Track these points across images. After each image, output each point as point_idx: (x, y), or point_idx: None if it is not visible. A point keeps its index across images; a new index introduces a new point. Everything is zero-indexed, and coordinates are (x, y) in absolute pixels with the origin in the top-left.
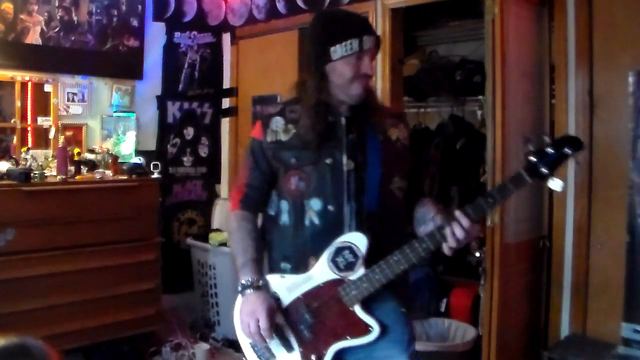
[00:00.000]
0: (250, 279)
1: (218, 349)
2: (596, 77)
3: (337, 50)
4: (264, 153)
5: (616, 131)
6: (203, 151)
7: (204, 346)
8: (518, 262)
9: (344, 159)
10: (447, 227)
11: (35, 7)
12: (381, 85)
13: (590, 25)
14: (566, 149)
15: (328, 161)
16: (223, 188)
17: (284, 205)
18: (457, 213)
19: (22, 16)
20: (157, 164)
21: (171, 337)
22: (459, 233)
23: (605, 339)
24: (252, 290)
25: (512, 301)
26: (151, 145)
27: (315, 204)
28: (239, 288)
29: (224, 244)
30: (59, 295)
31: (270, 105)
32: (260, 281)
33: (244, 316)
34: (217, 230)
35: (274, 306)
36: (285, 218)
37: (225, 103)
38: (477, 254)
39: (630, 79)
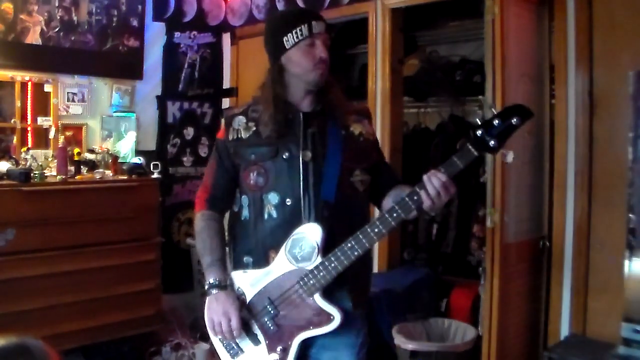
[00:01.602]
0: (217, 279)
1: None
2: (596, 77)
3: (289, 39)
4: (227, 151)
5: (616, 131)
6: (203, 151)
7: (204, 346)
8: (518, 262)
9: (300, 152)
10: (422, 187)
11: (35, 7)
12: (381, 85)
13: (590, 25)
14: (514, 119)
15: (285, 156)
16: None
17: (245, 200)
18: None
19: (22, 16)
20: (157, 164)
21: (171, 337)
22: (436, 182)
23: (605, 339)
24: (219, 290)
25: (512, 301)
26: (151, 145)
27: (273, 197)
28: (206, 287)
29: None
30: (59, 295)
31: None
32: (227, 280)
33: (214, 315)
34: None
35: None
36: (246, 213)
37: (225, 103)
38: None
39: (630, 79)
